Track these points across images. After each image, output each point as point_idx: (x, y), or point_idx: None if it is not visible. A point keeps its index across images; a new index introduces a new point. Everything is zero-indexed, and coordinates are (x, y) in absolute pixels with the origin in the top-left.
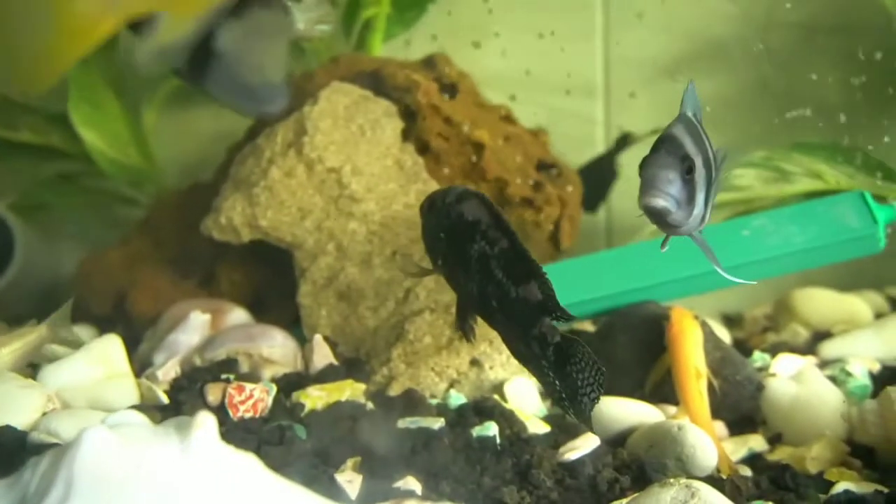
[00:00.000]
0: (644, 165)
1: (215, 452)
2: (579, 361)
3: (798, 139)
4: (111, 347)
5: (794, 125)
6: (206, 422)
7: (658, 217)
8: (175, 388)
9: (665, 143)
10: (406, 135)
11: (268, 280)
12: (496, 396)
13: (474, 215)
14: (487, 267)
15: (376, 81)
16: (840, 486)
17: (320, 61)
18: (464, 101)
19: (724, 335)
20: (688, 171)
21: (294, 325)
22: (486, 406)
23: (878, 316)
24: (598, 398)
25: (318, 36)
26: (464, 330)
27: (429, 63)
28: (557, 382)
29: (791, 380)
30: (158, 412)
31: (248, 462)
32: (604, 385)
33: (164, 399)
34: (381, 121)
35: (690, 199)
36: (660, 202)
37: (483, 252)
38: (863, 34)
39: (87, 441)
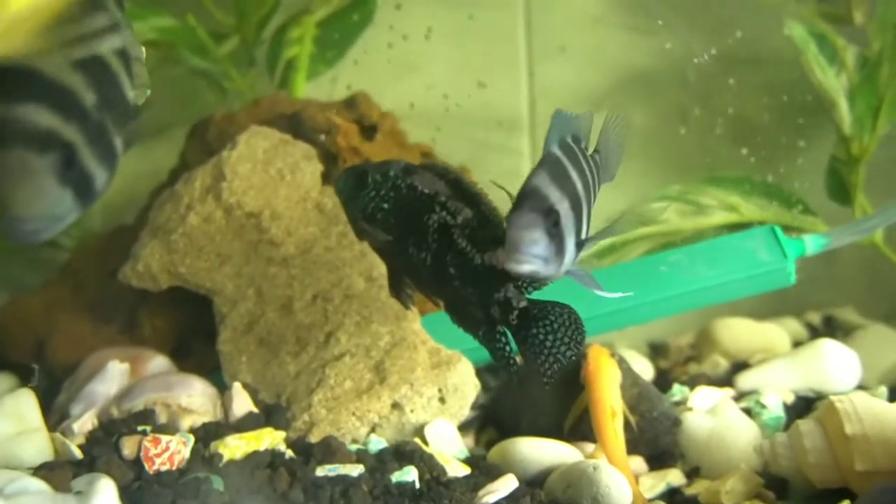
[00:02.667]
0: (508, 225)
1: None
2: (553, 322)
3: (718, 168)
4: (24, 402)
5: (713, 154)
6: (104, 489)
7: (528, 277)
8: (90, 442)
9: (526, 200)
10: (326, 177)
11: (191, 325)
12: (417, 439)
13: (431, 187)
14: (448, 237)
15: (296, 124)
16: None
17: (243, 102)
18: (384, 141)
19: (648, 367)
20: (554, 225)
21: (216, 371)
22: (406, 450)
23: (797, 343)
24: (573, 353)
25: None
26: (401, 298)
27: (350, 103)
28: (514, 348)
29: (707, 413)
30: (71, 468)
31: None
32: (581, 342)
33: (78, 454)
34: (301, 164)
35: (559, 249)
36: (526, 267)
37: (443, 222)
38: (775, 66)
39: None
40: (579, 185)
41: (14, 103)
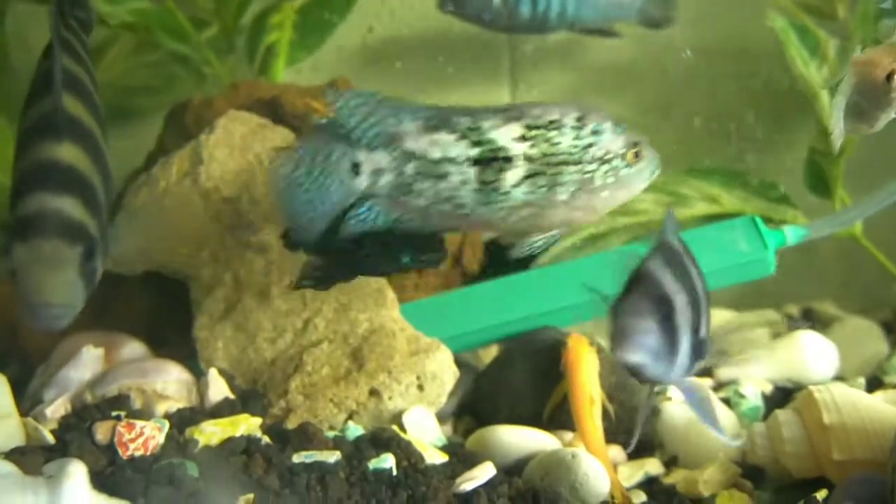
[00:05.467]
0: (615, 312)
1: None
2: None
3: (699, 160)
4: None
5: (695, 146)
6: (75, 473)
7: (635, 372)
8: (63, 428)
9: (638, 284)
10: None
11: (167, 311)
12: (395, 427)
13: None
14: None
15: (275, 109)
16: None
17: (222, 87)
18: None
19: None
20: (666, 316)
21: (194, 357)
22: (383, 437)
23: (776, 335)
24: None
25: None
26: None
27: (330, 88)
28: None
29: (686, 403)
30: (43, 454)
31: None
32: None
33: (51, 439)
34: None
35: (671, 345)
36: (635, 357)
37: None
38: (756, 58)
39: None
40: (698, 284)
41: (50, 194)
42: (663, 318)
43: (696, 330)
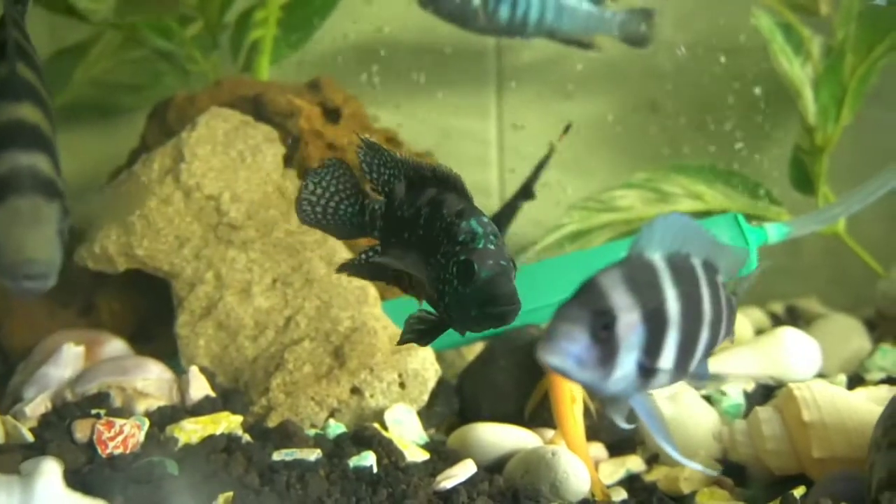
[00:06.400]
0: (554, 314)
1: (59, 503)
2: None
3: (684, 157)
4: None
5: (680, 143)
6: (49, 471)
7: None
8: (43, 426)
9: (582, 293)
10: (288, 160)
11: (150, 309)
12: (376, 424)
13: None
14: None
15: (258, 106)
16: None
17: (206, 84)
18: (348, 125)
19: None
20: (604, 328)
21: (175, 355)
22: (364, 435)
23: (759, 332)
24: None
25: None
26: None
27: (314, 86)
28: None
29: (668, 400)
30: (22, 452)
31: None
32: None
33: (30, 437)
34: (262, 146)
35: (606, 359)
36: (553, 359)
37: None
38: (741, 56)
39: None
40: (678, 308)
41: (19, 151)
42: (598, 329)
43: (651, 350)
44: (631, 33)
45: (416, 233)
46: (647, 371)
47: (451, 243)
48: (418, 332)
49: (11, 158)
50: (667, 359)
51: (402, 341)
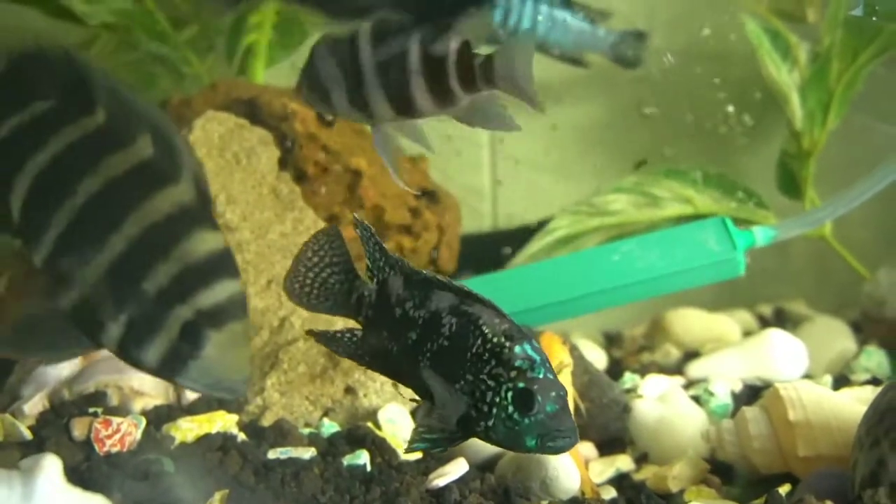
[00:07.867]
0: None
1: (59, 497)
2: None
3: (673, 161)
4: None
5: (668, 148)
6: (49, 466)
7: None
8: (40, 423)
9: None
10: (283, 163)
11: None
12: (370, 424)
13: None
14: None
15: (253, 109)
16: None
17: (201, 87)
18: (342, 128)
19: (602, 355)
20: None
21: None
22: (358, 434)
23: (747, 334)
24: None
25: None
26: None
27: None
28: None
29: (657, 400)
30: (20, 449)
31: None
32: None
33: (28, 435)
34: (257, 149)
35: None
36: None
37: None
38: (729, 61)
39: None
40: None
41: (229, 280)
42: None
43: None
44: (622, 54)
45: (432, 339)
46: None
47: (502, 366)
48: (431, 443)
49: (230, 286)
50: None
51: (410, 449)
